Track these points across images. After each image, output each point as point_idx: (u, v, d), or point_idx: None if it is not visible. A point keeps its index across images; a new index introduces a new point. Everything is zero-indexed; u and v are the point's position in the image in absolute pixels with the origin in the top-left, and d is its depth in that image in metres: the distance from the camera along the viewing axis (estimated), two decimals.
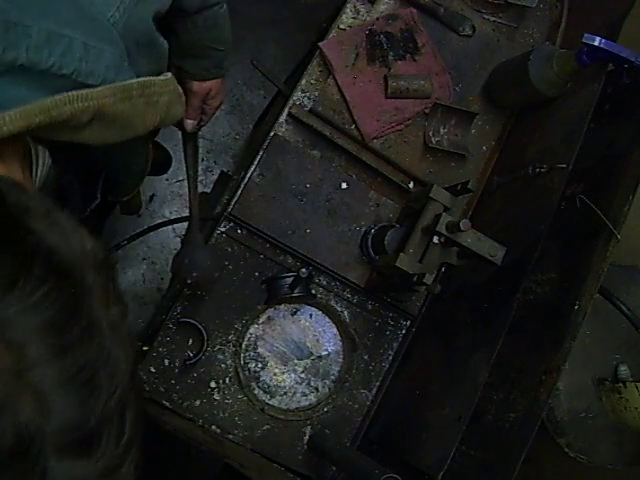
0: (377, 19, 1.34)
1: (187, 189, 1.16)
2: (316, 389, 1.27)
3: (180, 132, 1.13)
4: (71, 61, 0.55)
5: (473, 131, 1.38)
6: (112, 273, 0.47)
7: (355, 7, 1.37)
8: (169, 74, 0.68)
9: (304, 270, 1.16)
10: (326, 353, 1.28)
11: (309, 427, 1.24)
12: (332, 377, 1.28)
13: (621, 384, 1.31)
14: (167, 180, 2.09)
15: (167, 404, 1.17)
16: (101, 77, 0.58)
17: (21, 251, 0.41)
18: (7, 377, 0.37)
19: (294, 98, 1.31)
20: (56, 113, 0.52)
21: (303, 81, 1.32)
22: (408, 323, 1.32)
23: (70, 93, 0.53)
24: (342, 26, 1.35)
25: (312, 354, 1.27)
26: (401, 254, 1.11)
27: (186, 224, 1.20)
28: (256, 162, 1.24)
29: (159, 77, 0.65)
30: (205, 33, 0.95)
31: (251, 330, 1.25)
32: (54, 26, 0.53)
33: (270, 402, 1.24)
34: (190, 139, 1.14)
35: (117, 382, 0.43)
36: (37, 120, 0.51)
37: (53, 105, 0.52)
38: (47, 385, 0.39)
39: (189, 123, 1.09)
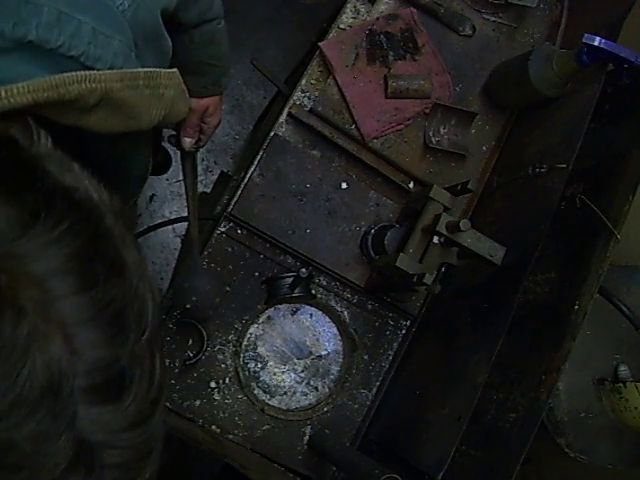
0: (377, 19, 1.34)
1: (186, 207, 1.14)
2: (316, 389, 1.27)
3: (178, 152, 1.11)
4: (80, 43, 0.55)
5: (473, 131, 1.38)
6: (130, 223, 0.47)
7: (355, 7, 1.37)
8: (175, 69, 0.68)
9: (304, 270, 1.16)
10: (326, 353, 1.28)
11: (309, 427, 1.24)
12: (332, 377, 1.28)
13: (621, 384, 1.31)
14: (167, 180, 2.09)
15: (167, 404, 1.17)
16: (109, 63, 0.58)
17: (40, 189, 0.40)
18: (33, 311, 0.37)
19: (294, 98, 1.31)
20: (64, 91, 0.52)
21: (303, 81, 1.32)
22: (408, 323, 1.32)
23: (79, 72, 0.53)
24: (342, 26, 1.35)
25: (312, 354, 1.27)
26: (401, 254, 1.11)
27: (186, 224, 1.20)
28: (256, 162, 1.24)
29: (165, 70, 0.65)
30: (202, 49, 0.94)
31: (251, 330, 1.25)
32: (65, 8, 0.54)
33: (270, 402, 1.24)
34: (188, 159, 1.11)
35: (145, 322, 0.43)
36: (45, 95, 0.51)
37: (61, 82, 0.52)
38: (74, 320, 0.39)
39: (187, 141, 1.07)
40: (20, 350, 0.36)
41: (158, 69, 0.64)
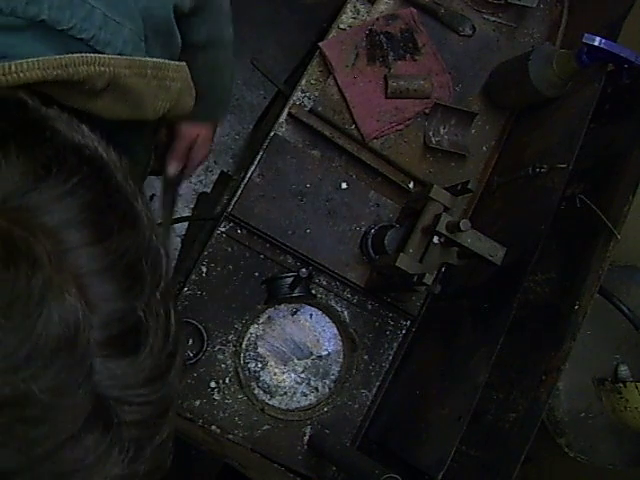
0: (377, 19, 1.34)
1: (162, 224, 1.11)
2: (316, 389, 1.27)
3: (161, 179, 1.08)
4: (91, 27, 0.56)
5: (473, 131, 1.38)
6: (139, 186, 0.47)
7: (355, 7, 1.37)
8: (183, 62, 0.68)
9: (304, 270, 1.16)
10: (326, 353, 1.28)
11: (309, 427, 1.24)
12: (332, 377, 1.28)
13: (621, 384, 1.31)
14: None
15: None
16: (118, 49, 0.59)
17: (51, 145, 0.41)
18: (47, 262, 0.37)
19: (294, 98, 1.31)
20: (73, 71, 0.53)
21: (303, 81, 1.32)
22: (408, 323, 1.32)
23: (89, 55, 0.54)
24: (342, 26, 1.35)
25: (312, 354, 1.27)
26: (401, 254, 1.11)
27: (186, 225, 1.20)
28: (256, 162, 1.24)
29: (174, 62, 0.65)
30: (204, 73, 0.92)
31: (251, 330, 1.25)
32: None
33: (270, 402, 1.24)
34: (170, 188, 1.09)
35: (160, 275, 0.43)
36: (54, 73, 0.51)
37: (71, 62, 0.52)
38: (88, 271, 0.39)
39: (172, 166, 1.05)
40: (35, 301, 0.36)
41: (167, 61, 0.64)
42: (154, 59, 0.62)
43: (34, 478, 0.39)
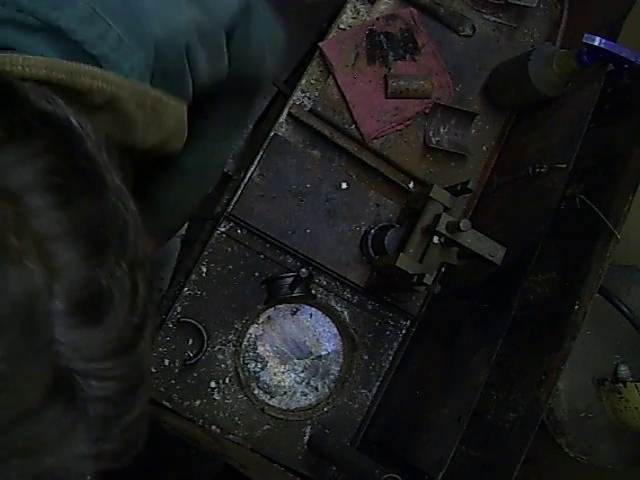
0: (377, 19, 1.34)
1: None
2: (316, 389, 1.27)
3: None
4: (104, 46, 0.56)
5: (473, 131, 1.38)
6: (115, 157, 0.46)
7: (355, 7, 1.37)
8: (184, 103, 0.67)
9: (304, 270, 1.16)
10: (326, 353, 1.28)
11: (309, 427, 1.24)
12: (332, 377, 1.28)
13: (621, 384, 1.31)
14: None
15: (167, 404, 1.17)
16: (124, 74, 0.58)
17: (17, 110, 0.41)
18: (8, 225, 0.36)
19: (294, 98, 1.31)
20: (77, 79, 0.53)
21: (303, 81, 1.32)
22: (408, 323, 1.32)
23: (95, 68, 0.54)
24: (342, 26, 1.35)
25: (312, 354, 1.27)
26: (401, 254, 1.11)
27: (186, 225, 1.20)
28: (256, 162, 1.24)
29: (174, 101, 0.65)
30: (170, 191, 0.89)
31: (251, 330, 1.25)
32: (99, 9, 0.55)
33: (270, 402, 1.24)
34: None
35: (126, 245, 0.42)
36: (58, 77, 0.51)
37: (77, 70, 0.52)
38: (50, 235, 0.38)
39: None
40: None
41: (168, 97, 0.63)
42: (156, 92, 0.62)
43: None
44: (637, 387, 1.28)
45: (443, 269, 1.16)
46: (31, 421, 0.38)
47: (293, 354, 1.26)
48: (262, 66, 0.86)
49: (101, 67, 0.56)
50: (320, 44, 1.31)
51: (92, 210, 0.40)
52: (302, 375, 1.27)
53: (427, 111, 1.35)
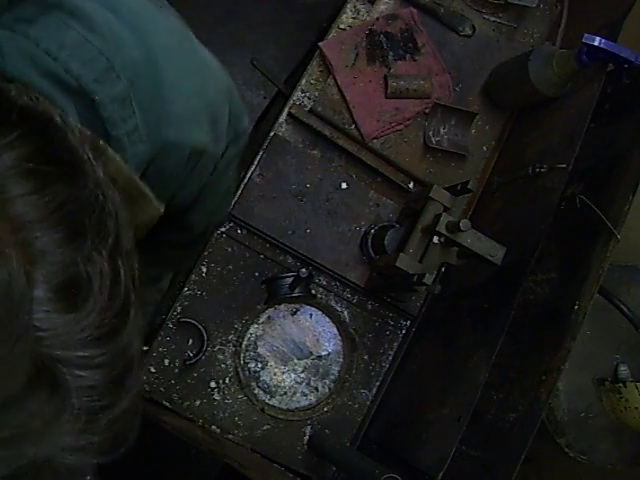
0: (377, 19, 1.34)
1: None
2: (316, 389, 1.27)
3: None
4: (122, 129, 0.57)
5: (473, 131, 1.38)
6: (100, 151, 0.46)
7: (355, 7, 1.37)
8: (162, 206, 0.67)
9: (304, 270, 1.16)
10: (326, 353, 1.28)
11: (309, 427, 1.24)
12: (332, 377, 1.28)
13: (621, 384, 1.31)
14: None
15: (167, 404, 1.17)
16: (125, 158, 0.59)
17: None
18: None
19: (294, 98, 1.31)
20: None
21: (303, 81, 1.32)
22: (408, 323, 1.32)
23: (102, 141, 0.55)
24: (342, 26, 1.35)
25: (312, 354, 1.27)
26: (401, 254, 1.11)
27: None
28: (256, 162, 1.24)
29: (157, 200, 0.65)
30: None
31: (251, 330, 1.25)
32: (132, 95, 0.57)
33: (270, 402, 1.24)
34: None
35: (106, 231, 0.42)
36: None
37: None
38: (26, 220, 0.38)
39: None
40: None
41: (152, 195, 0.64)
42: (142, 186, 0.62)
43: None
44: (637, 387, 1.28)
45: (443, 269, 1.16)
46: (13, 410, 0.38)
47: (293, 354, 1.26)
48: (215, 216, 0.87)
49: (109, 144, 0.57)
50: (320, 44, 1.31)
51: (69, 196, 0.40)
52: (302, 375, 1.27)
53: (427, 111, 1.35)
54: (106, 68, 0.54)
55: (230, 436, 1.20)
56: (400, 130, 1.34)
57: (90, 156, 0.44)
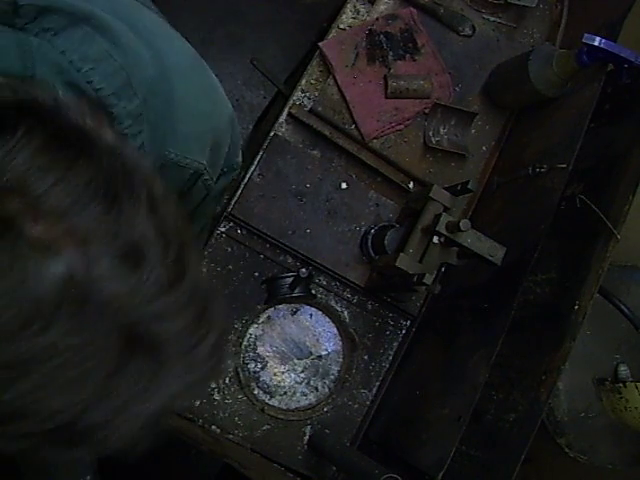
0: (377, 19, 1.34)
1: None
2: (316, 389, 1.27)
3: None
4: (132, 143, 0.59)
5: (473, 131, 1.38)
6: (100, 117, 0.47)
7: (355, 7, 1.37)
8: None
9: (304, 270, 1.16)
10: (326, 353, 1.28)
11: (309, 427, 1.24)
12: (332, 377, 1.28)
13: (621, 384, 1.31)
14: None
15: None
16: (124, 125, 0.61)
17: None
18: (23, 218, 0.38)
19: (294, 98, 1.31)
20: None
21: (303, 81, 1.32)
22: (408, 323, 1.32)
23: None
24: (342, 26, 1.35)
25: (312, 354, 1.27)
26: (401, 254, 1.11)
27: None
28: (256, 162, 1.24)
29: None
30: None
31: (251, 330, 1.25)
32: (145, 113, 0.59)
33: (270, 402, 1.24)
34: None
35: (137, 189, 0.44)
36: None
37: None
38: (63, 207, 0.39)
39: None
40: (20, 262, 0.37)
41: None
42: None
43: (100, 415, 0.41)
44: (637, 387, 1.28)
45: (443, 269, 1.16)
46: (118, 381, 0.40)
47: (293, 354, 1.26)
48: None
49: (108, 111, 0.58)
50: (320, 44, 1.31)
51: (91, 171, 0.41)
52: (302, 375, 1.27)
53: (427, 111, 1.35)
54: (125, 84, 0.56)
55: (230, 436, 1.19)
56: (400, 130, 1.34)
57: (92, 124, 0.45)
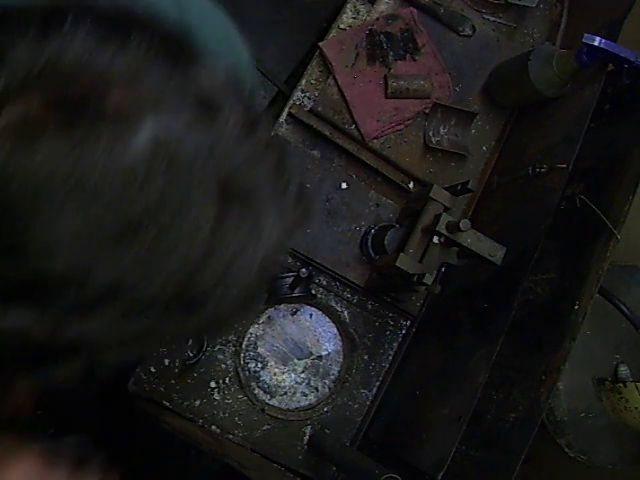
0: (377, 19, 1.34)
1: None
2: (316, 389, 1.27)
3: None
4: None
5: (473, 131, 1.38)
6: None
7: (355, 7, 1.37)
8: None
9: (304, 270, 1.16)
10: (326, 353, 1.28)
11: (309, 427, 1.24)
12: (332, 377, 1.28)
13: (621, 384, 1.31)
14: None
15: (167, 404, 1.17)
16: None
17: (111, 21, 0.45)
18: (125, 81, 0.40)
19: (294, 98, 1.31)
20: None
21: (303, 81, 1.32)
22: (408, 323, 1.32)
23: None
24: (342, 26, 1.35)
25: (312, 354, 1.27)
26: (401, 254, 1.11)
27: None
28: None
29: None
30: None
31: (251, 330, 1.25)
32: None
33: (270, 402, 1.24)
34: None
35: (196, 49, 0.46)
36: None
37: None
38: (128, 72, 0.41)
39: None
40: (104, 136, 0.39)
41: None
42: None
43: (211, 274, 0.43)
44: (637, 387, 1.28)
45: (443, 269, 1.16)
46: (221, 234, 0.43)
47: (293, 354, 1.26)
48: None
49: None
50: (320, 44, 1.31)
51: (147, 39, 0.43)
52: (302, 375, 1.27)
53: (427, 111, 1.35)
54: None
55: (230, 436, 1.19)
56: (400, 130, 1.34)
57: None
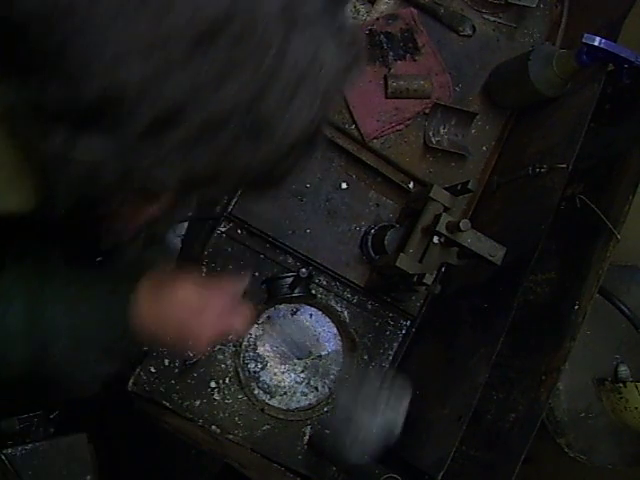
0: (377, 19, 1.34)
1: None
2: (316, 389, 1.27)
3: None
4: None
5: (473, 131, 1.38)
6: None
7: (355, 7, 1.37)
8: None
9: (304, 270, 1.16)
10: (326, 353, 1.28)
11: (309, 427, 1.24)
12: (332, 377, 1.28)
13: (621, 384, 1.31)
14: None
15: (167, 404, 1.17)
16: None
17: None
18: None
19: None
20: None
21: None
22: (408, 323, 1.32)
23: None
24: None
25: (312, 354, 1.27)
26: (401, 254, 1.11)
27: (186, 224, 1.20)
28: None
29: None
30: None
31: (251, 330, 1.25)
32: None
33: (270, 402, 1.24)
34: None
35: None
36: None
37: None
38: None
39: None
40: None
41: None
42: None
43: (275, 98, 0.46)
44: (637, 387, 1.28)
45: (443, 269, 1.16)
46: (283, 60, 0.45)
47: (293, 354, 1.26)
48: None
49: None
50: None
51: None
52: (302, 375, 1.27)
53: (427, 111, 1.35)
54: None
55: (230, 436, 1.19)
56: (400, 130, 1.34)
57: None
